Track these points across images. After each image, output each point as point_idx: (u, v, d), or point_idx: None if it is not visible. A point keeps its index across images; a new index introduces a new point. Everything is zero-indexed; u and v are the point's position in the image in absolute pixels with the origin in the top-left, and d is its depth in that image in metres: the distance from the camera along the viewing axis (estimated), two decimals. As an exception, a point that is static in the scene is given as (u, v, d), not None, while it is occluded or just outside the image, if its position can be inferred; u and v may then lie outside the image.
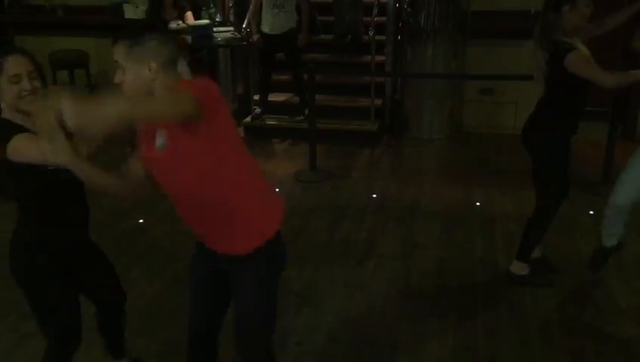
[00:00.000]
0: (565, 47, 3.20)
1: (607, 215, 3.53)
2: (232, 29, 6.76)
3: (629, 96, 5.92)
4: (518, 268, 3.73)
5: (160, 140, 2.04)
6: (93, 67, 7.43)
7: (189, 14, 6.55)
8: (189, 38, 6.36)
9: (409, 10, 6.43)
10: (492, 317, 3.42)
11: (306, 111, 6.02)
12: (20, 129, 2.24)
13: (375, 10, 6.45)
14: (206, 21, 6.66)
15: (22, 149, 2.18)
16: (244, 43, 6.56)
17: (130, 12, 7.28)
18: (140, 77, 1.97)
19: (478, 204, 4.93)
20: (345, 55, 7.06)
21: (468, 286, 3.76)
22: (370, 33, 6.44)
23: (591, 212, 4.59)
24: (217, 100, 1.97)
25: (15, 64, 2.24)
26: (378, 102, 6.66)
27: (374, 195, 5.15)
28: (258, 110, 6.73)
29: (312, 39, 6.86)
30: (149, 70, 1.96)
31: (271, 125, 6.69)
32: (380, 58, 6.66)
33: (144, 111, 1.80)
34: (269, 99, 6.71)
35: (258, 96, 6.80)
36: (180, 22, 6.44)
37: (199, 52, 6.49)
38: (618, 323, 3.35)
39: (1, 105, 2.31)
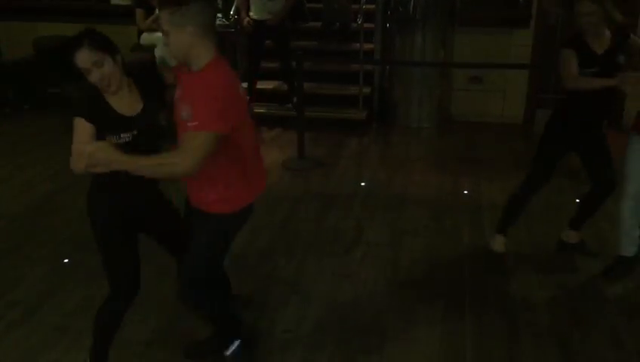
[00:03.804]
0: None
1: (622, 215, 3.53)
2: (219, 15, 6.70)
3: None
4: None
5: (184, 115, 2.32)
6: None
7: (176, 1, 6.48)
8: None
9: (398, -3, 6.41)
10: (479, 305, 3.44)
11: (295, 99, 6.00)
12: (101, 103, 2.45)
13: (364, -2, 6.42)
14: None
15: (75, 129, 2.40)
16: (232, 30, 6.51)
17: (117, -2, 7.20)
18: (180, 41, 2.27)
19: (466, 192, 4.95)
20: (333, 43, 7.03)
21: (456, 273, 3.78)
22: (359, 21, 6.43)
23: (577, 200, 4.61)
24: (234, 105, 2.35)
25: (80, 60, 2.36)
26: (367, 90, 6.65)
27: (363, 183, 5.15)
28: (246, 98, 6.68)
29: (298, 25, 6.83)
30: (188, 34, 2.25)
31: (259, 113, 6.66)
32: (368, 46, 6.64)
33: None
34: (257, 86, 6.68)
35: (246, 83, 6.76)
36: (167, 8, 6.37)
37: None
38: (603, 311, 3.38)
39: None
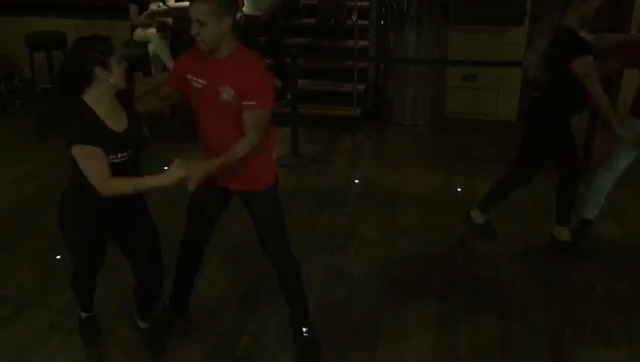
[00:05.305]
0: (578, 48, 3.36)
1: (602, 182, 3.88)
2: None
3: (609, 87, 5.97)
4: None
5: (225, 96, 2.51)
6: (72, 49, 7.28)
7: (170, -5, 6.46)
8: (169, 20, 6.28)
9: (392, -6, 6.40)
10: (472, 302, 3.45)
11: (289, 96, 5.98)
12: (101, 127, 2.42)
13: (358, -5, 6.41)
14: (187, 3, 6.55)
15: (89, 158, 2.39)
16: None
17: (110, -7, 7.13)
18: (218, 31, 2.46)
19: (459, 190, 4.95)
20: (327, 39, 7.01)
21: (448, 271, 3.78)
22: (354, 18, 6.41)
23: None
24: None
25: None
26: (361, 87, 6.64)
27: (356, 181, 5.15)
28: None
29: (293, 22, 6.81)
30: (224, 24, 2.46)
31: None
32: (363, 43, 6.63)
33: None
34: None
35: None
36: (161, 3, 6.35)
37: (180, 34, 6.40)
38: (594, 307, 3.40)
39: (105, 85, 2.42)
